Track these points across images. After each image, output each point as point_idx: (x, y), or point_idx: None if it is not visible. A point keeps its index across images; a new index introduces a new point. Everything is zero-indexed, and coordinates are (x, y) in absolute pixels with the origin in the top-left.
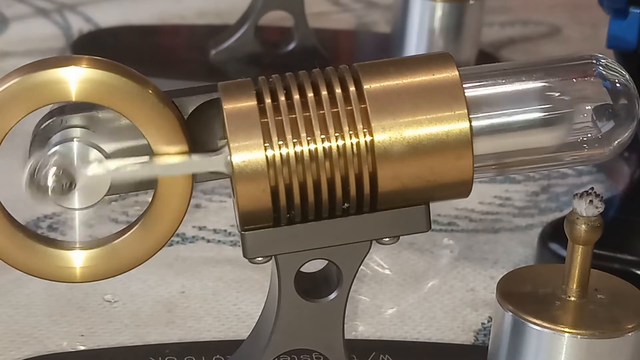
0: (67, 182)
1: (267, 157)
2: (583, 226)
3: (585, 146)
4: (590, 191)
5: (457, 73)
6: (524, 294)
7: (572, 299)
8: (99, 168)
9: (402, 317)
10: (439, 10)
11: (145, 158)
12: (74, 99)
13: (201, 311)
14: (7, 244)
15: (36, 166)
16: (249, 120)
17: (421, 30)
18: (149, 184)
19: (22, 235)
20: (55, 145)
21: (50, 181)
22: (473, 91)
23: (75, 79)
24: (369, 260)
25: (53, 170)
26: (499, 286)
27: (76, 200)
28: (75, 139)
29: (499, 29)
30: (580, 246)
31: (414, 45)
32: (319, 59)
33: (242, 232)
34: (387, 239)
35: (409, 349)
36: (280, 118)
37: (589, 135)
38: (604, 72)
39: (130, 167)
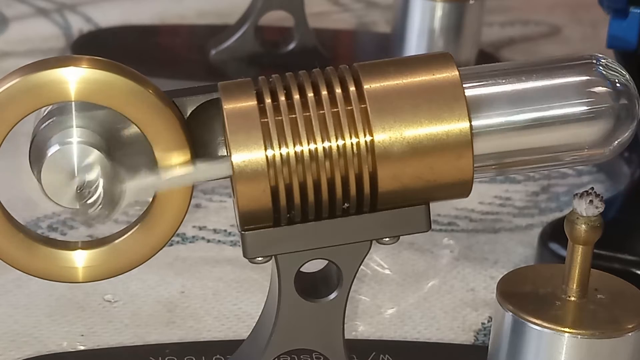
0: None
1: (267, 157)
2: (583, 226)
3: (586, 146)
4: (590, 191)
5: (457, 73)
6: (524, 294)
7: (572, 299)
8: (115, 188)
9: (402, 317)
10: (439, 10)
11: (153, 177)
12: (74, 99)
13: (201, 311)
14: (7, 244)
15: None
16: (249, 120)
17: (421, 30)
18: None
19: (22, 235)
20: (57, 144)
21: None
22: (473, 91)
23: (75, 79)
24: (369, 260)
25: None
26: (499, 286)
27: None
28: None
29: (499, 29)
30: (580, 246)
31: (414, 45)
32: (319, 59)
33: (242, 232)
34: (387, 239)
35: (409, 349)
36: (280, 118)
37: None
38: (604, 72)
39: (139, 187)
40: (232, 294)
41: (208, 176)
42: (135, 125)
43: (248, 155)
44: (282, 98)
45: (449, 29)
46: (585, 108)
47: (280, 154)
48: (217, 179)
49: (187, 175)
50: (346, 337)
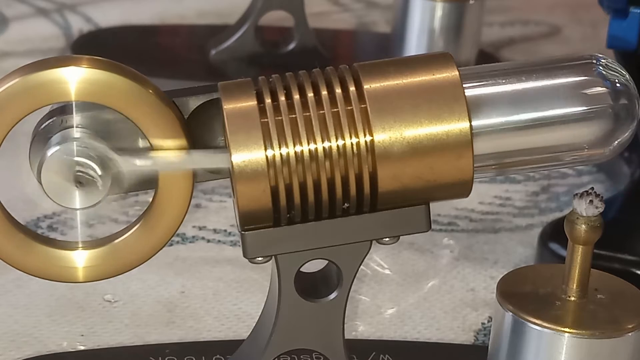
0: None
1: (267, 157)
2: (583, 226)
3: (585, 146)
4: (590, 191)
5: (457, 73)
6: (524, 294)
7: (572, 299)
8: (103, 164)
9: (402, 317)
10: (439, 10)
11: (148, 154)
12: (74, 99)
13: (201, 311)
14: (7, 244)
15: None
16: (249, 120)
17: (421, 30)
18: (149, 184)
19: (22, 235)
20: (57, 144)
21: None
22: (473, 91)
23: (75, 79)
24: (369, 260)
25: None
26: (499, 286)
27: (77, 200)
28: (76, 139)
29: (499, 29)
30: (580, 246)
31: (414, 45)
32: (319, 59)
33: (242, 232)
34: (387, 239)
35: (409, 349)
36: (280, 118)
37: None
38: (604, 72)
39: (132, 163)
40: (232, 294)
41: (205, 164)
42: (135, 125)
43: (248, 155)
44: (282, 98)
45: (449, 29)
46: (585, 108)
47: (280, 154)
48: (214, 169)
49: (184, 159)
50: (346, 337)
